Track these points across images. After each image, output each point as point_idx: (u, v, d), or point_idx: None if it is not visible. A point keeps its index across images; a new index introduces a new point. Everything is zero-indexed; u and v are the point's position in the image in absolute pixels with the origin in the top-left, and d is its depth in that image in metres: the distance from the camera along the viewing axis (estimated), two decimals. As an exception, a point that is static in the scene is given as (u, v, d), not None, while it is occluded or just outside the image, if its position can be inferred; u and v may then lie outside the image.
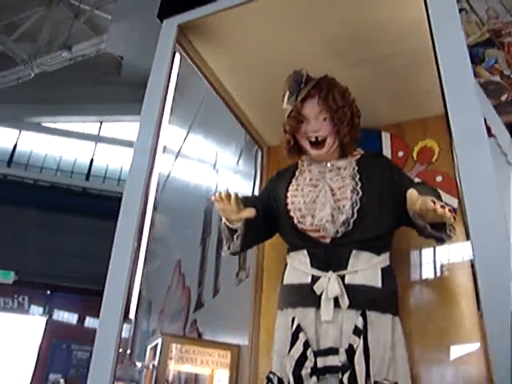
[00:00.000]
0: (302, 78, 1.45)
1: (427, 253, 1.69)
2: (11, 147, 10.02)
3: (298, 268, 1.42)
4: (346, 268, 1.34)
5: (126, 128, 10.63)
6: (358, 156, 1.51)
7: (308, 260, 1.41)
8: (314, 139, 1.43)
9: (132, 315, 1.10)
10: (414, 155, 1.91)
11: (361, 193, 1.37)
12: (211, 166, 4.47)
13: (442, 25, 1.14)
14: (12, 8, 5.59)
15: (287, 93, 1.44)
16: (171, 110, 1.42)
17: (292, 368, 1.28)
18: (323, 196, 1.41)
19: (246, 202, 1.39)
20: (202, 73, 1.71)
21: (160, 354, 2.03)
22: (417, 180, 1.74)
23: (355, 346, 1.25)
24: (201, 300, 3.53)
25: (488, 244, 0.90)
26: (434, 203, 1.15)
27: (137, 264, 1.17)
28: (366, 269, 1.35)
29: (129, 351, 4.54)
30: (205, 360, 2.15)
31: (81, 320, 8.46)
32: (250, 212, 1.35)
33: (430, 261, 1.69)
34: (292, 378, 1.26)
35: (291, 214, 1.42)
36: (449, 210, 1.16)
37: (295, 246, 1.45)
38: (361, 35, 1.58)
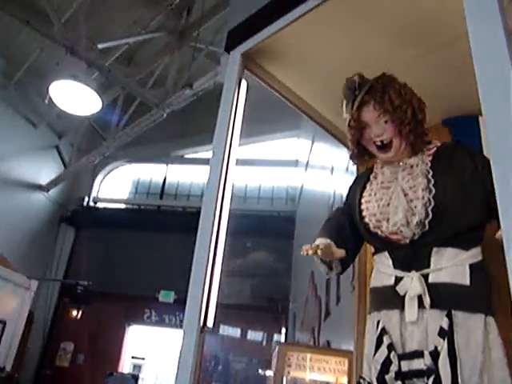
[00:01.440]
0: (355, 84, 1.42)
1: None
2: (161, 180, 11.34)
3: (382, 270, 1.40)
4: (428, 266, 1.28)
5: (259, 148, 11.06)
6: (434, 150, 1.43)
7: (390, 262, 1.38)
8: (379, 143, 1.40)
9: (210, 323, 1.20)
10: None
11: (434, 190, 1.30)
12: (329, 171, 4.50)
13: None
14: (143, 62, 6.46)
15: (344, 101, 1.44)
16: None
17: (377, 372, 1.26)
18: (396, 198, 1.37)
19: (331, 233, 1.45)
20: (276, 91, 1.81)
21: (277, 361, 2.12)
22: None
23: (439, 348, 1.18)
24: (328, 308, 3.55)
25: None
26: None
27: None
28: (450, 266, 1.26)
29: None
30: (322, 367, 2.19)
31: (243, 334, 9.10)
32: (340, 253, 1.39)
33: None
34: (376, 383, 1.24)
35: (366, 220, 1.40)
36: None
37: (377, 249, 1.43)
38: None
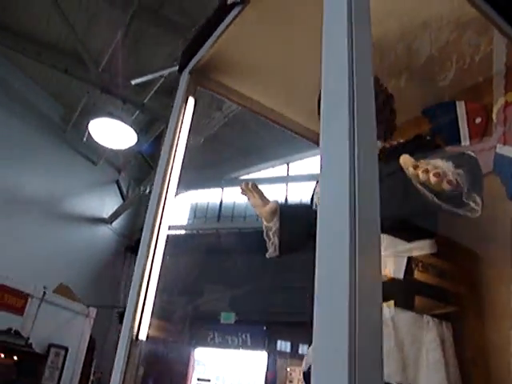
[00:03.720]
0: None
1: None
2: (218, 203, 11.62)
3: None
4: None
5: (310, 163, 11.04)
6: (395, 143, 1.38)
7: None
8: None
9: (143, 336, 1.23)
10: (494, 117, 1.60)
11: None
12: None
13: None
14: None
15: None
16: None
17: None
18: None
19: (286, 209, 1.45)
20: (236, 102, 1.82)
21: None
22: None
23: None
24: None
25: None
26: (417, 168, 0.96)
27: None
28: (386, 256, 1.20)
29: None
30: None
31: (294, 349, 8.95)
32: (270, 206, 1.39)
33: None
34: None
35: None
36: (442, 176, 0.94)
37: None
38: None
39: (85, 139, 6.35)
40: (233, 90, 1.78)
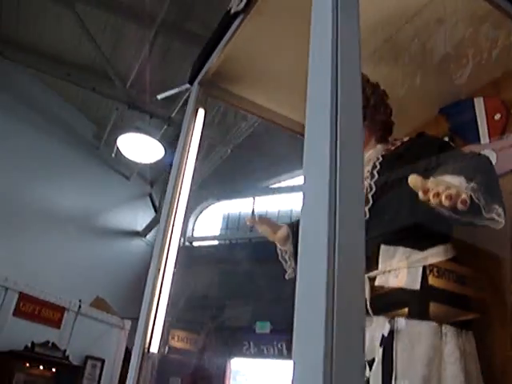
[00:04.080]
0: None
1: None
2: (250, 213, 11.64)
3: None
4: (376, 267, 1.18)
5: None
6: (398, 144, 1.34)
7: None
8: None
9: (154, 349, 1.23)
10: (513, 112, 1.53)
11: (376, 176, 1.20)
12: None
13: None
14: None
15: None
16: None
17: None
18: None
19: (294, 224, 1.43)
20: (248, 110, 1.82)
21: None
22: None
23: (377, 357, 1.07)
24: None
25: None
26: (427, 192, 0.92)
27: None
28: (399, 268, 1.15)
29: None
30: None
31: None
32: (281, 232, 1.37)
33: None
34: None
35: None
36: (455, 198, 0.88)
37: None
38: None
39: (113, 155, 6.51)
40: (243, 98, 1.78)
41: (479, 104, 1.62)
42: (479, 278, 1.26)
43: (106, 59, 5.49)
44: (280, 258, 1.48)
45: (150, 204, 9.58)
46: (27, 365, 4.04)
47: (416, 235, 1.16)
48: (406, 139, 1.32)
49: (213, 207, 12.06)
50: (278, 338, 8.96)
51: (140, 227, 9.23)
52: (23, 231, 6.01)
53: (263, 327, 8.81)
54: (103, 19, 5.64)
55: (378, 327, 1.10)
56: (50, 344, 4.33)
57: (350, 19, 0.77)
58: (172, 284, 1.32)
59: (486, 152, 1.51)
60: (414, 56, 1.80)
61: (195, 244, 11.59)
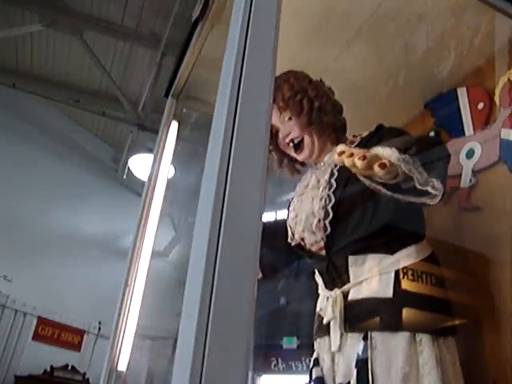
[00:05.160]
0: None
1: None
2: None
3: (319, 292, 1.26)
4: (348, 281, 1.11)
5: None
6: (358, 140, 1.26)
7: (321, 280, 1.23)
8: (291, 144, 1.29)
9: (122, 367, 1.18)
10: (497, 100, 1.44)
11: (335, 185, 1.13)
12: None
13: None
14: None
15: None
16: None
17: None
18: (304, 203, 1.23)
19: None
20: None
21: None
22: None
23: (352, 380, 0.99)
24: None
25: None
26: (342, 154, 0.84)
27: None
28: (371, 276, 1.07)
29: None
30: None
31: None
32: None
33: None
34: None
35: (289, 232, 1.29)
36: (371, 160, 0.80)
37: (313, 267, 1.29)
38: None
39: (125, 176, 6.59)
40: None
41: (462, 94, 1.54)
42: (464, 279, 1.18)
43: (114, 83, 5.59)
44: None
45: (171, 223, 9.63)
46: (47, 389, 4.06)
47: (384, 239, 1.08)
48: (364, 134, 1.25)
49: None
50: (305, 353, 8.73)
51: (161, 247, 9.27)
52: (44, 256, 6.11)
53: (290, 342, 8.63)
54: (111, 44, 5.77)
55: (352, 346, 1.03)
56: (69, 367, 4.35)
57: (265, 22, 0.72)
58: (143, 299, 1.28)
59: (471, 145, 1.43)
60: (397, 54, 1.74)
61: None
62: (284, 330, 8.76)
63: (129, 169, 5.63)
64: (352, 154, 0.80)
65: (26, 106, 6.32)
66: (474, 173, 1.36)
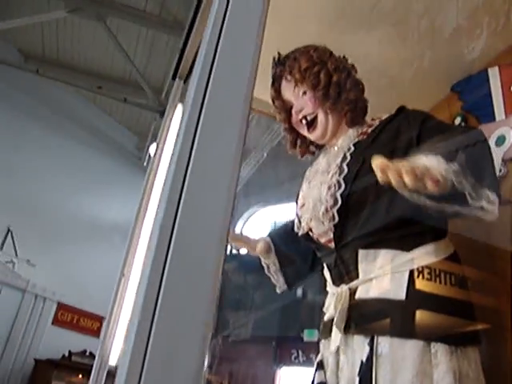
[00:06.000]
0: (275, 61, 1.23)
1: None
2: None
3: (327, 289, 1.15)
4: (357, 277, 1.00)
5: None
6: (376, 123, 1.14)
7: (329, 276, 1.12)
8: (304, 121, 1.17)
9: (113, 362, 1.12)
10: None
11: (346, 170, 1.02)
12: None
13: None
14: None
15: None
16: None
17: None
18: (312, 189, 1.12)
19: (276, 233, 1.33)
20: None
21: None
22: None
23: None
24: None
25: None
26: (384, 171, 0.74)
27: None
28: (383, 274, 0.96)
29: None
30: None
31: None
32: (260, 245, 1.24)
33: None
34: None
35: (299, 221, 1.18)
36: (421, 175, 0.71)
37: (322, 261, 1.18)
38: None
39: (145, 163, 6.59)
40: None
41: (494, 75, 1.39)
42: (489, 279, 1.05)
43: (137, 70, 5.56)
44: (266, 271, 1.33)
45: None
46: (64, 373, 4.10)
47: (400, 233, 0.96)
48: (384, 117, 1.12)
49: (260, 213, 11.95)
50: (326, 347, 8.65)
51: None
52: (66, 242, 6.19)
53: (311, 335, 8.51)
54: (134, 31, 5.73)
55: (357, 350, 0.92)
56: (87, 353, 4.38)
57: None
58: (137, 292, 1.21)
59: (502, 131, 1.29)
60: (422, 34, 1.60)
61: (242, 251, 11.44)
62: (305, 323, 8.68)
63: (150, 156, 5.60)
64: (399, 171, 0.69)
65: (50, 91, 6.37)
66: (505, 162, 1.22)
